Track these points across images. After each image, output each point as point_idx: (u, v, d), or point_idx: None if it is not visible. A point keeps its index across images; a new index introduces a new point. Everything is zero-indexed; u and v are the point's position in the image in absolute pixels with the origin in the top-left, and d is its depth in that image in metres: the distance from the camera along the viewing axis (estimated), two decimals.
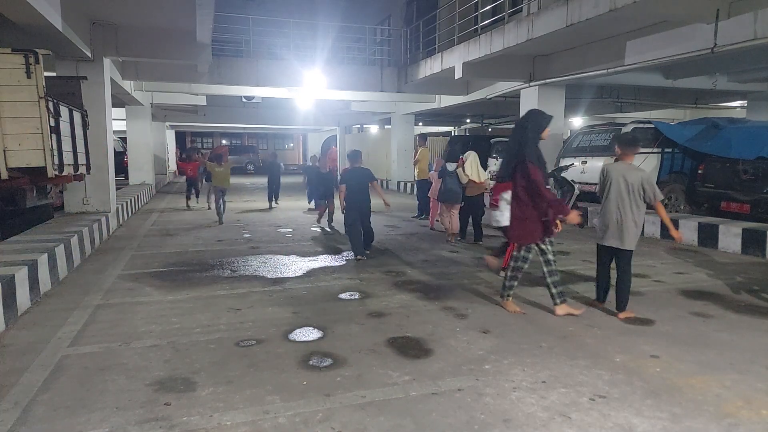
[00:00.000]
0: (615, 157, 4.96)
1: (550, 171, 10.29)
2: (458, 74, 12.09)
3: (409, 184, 19.54)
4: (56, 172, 7.12)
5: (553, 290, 4.76)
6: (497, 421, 2.91)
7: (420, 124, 25.92)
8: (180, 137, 40.47)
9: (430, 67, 13.71)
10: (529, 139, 4.67)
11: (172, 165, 31.78)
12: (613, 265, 4.92)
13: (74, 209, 10.10)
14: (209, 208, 12.99)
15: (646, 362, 3.73)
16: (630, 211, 4.67)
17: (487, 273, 6.45)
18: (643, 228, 7.72)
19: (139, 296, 5.44)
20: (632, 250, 4.76)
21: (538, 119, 4.74)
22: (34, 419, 2.93)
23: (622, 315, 4.75)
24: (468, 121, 25.20)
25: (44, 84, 6.65)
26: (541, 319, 4.70)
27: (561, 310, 4.74)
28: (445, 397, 3.20)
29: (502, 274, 5.52)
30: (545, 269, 4.75)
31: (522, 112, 12.80)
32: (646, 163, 10.07)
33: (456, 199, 8.86)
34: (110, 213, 9.97)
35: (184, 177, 15.81)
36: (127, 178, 18.76)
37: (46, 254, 5.70)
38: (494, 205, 4.89)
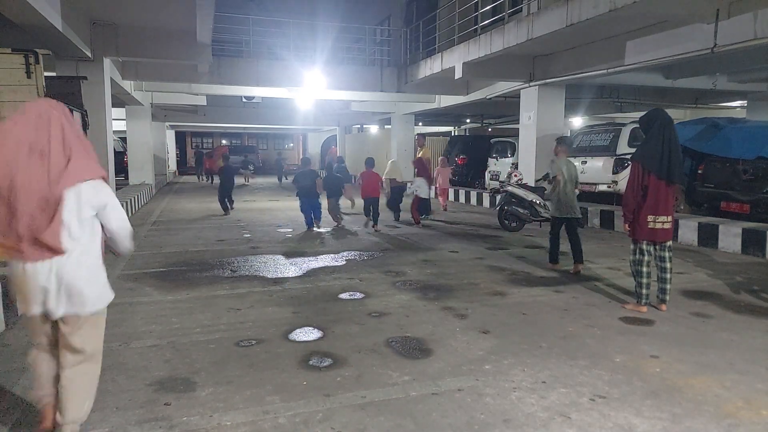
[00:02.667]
0: (556, 154, 6.69)
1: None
2: (458, 74, 12.10)
3: (409, 184, 19.51)
4: None
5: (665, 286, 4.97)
6: (497, 421, 2.91)
7: (420, 124, 25.90)
8: (180, 137, 40.42)
9: (430, 67, 13.71)
10: None
11: (173, 165, 31.83)
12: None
13: None
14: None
15: (646, 362, 3.73)
16: (574, 191, 6.54)
17: (487, 273, 6.45)
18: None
19: (139, 296, 5.44)
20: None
21: None
22: (34, 419, 2.93)
23: (579, 266, 6.39)
24: (468, 121, 25.19)
25: (44, 84, 6.65)
26: (541, 319, 4.70)
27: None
28: (445, 397, 3.20)
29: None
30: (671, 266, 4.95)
31: (522, 112, 12.94)
32: None
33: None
34: None
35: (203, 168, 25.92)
36: (127, 178, 18.76)
37: None
38: None
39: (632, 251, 4.96)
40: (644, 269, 4.85)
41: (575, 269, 6.39)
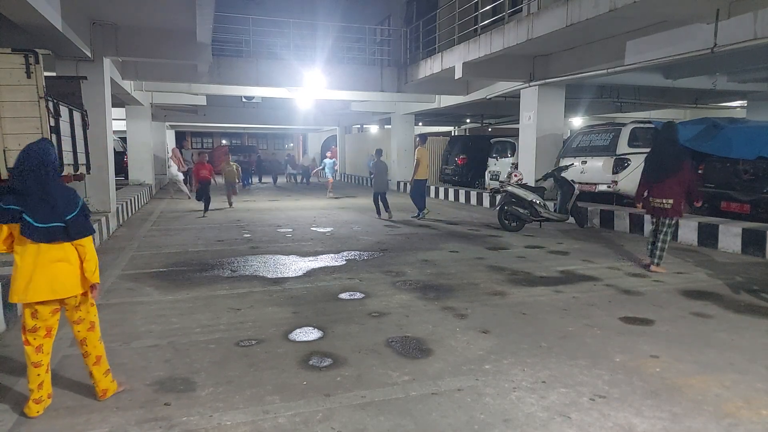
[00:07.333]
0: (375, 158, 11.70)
1: (550, 171, 10.37)
2: (458, 74, 12.10)
3: (409, 185, 19.51)
4: None
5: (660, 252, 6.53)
6: (497, 421, 2.91)
7: (420, 124, 25.90)
8: (180, 137, 40.38)
9: (430, 67, 13.71)
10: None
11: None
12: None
13: None
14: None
15: (646, 362, 3.73)
16: (385, 178, 11.99)
17: (487, 273, 6.45)
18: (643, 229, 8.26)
19: (139, 296, 5.44)
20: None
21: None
22: (34, 419, 2.94)
23: (389, 214, 11.62)
24: (468, 121, 25.19)
25: (44, 84, 6.65)
26: (541, 319, 4.70)
27: (657, 268, 6.53)
28: (445, 397, 3.20)
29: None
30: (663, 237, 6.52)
31: (522, 112, 12.95)
32: None
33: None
34: (110, 213, 9.97)
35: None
36: (127, 178, 18.76)
37: None
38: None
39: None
40: (655, 236, 6.55)
41: (388, 216, 11.50)
